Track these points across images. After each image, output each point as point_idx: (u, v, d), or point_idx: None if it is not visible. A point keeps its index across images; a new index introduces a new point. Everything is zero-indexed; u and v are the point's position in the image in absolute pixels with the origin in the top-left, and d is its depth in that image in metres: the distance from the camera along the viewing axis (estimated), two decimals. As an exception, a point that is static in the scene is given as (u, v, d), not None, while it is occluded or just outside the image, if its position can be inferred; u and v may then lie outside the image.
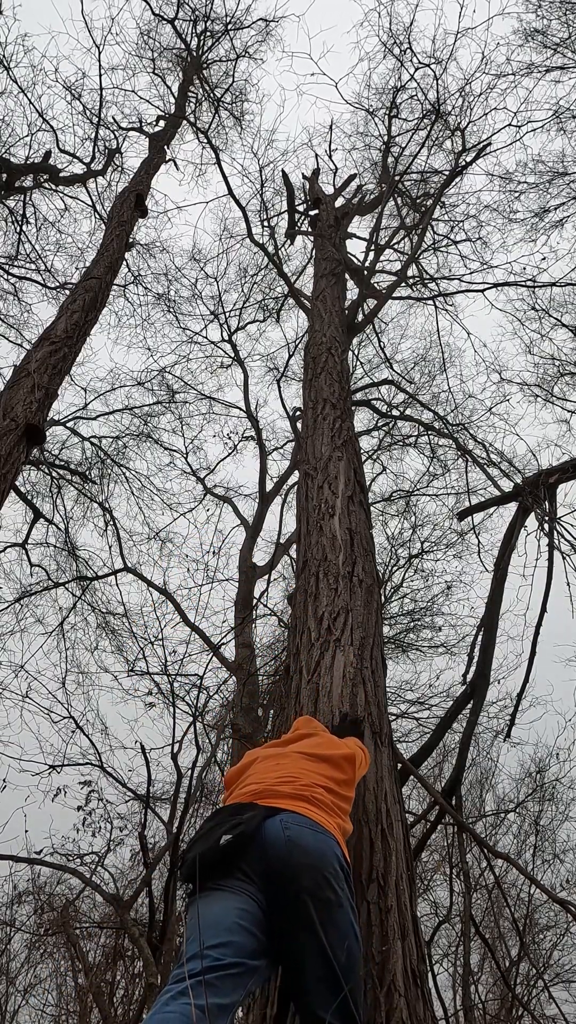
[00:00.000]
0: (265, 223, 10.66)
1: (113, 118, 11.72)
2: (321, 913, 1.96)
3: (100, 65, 10.75)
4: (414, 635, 10.89)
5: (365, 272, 9.01)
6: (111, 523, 11.06)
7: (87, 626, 10.83)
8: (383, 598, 8.61)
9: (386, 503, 11.01)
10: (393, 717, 8.72)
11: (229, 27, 11.72)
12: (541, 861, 10.80)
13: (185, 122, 11.61)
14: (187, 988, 1.71)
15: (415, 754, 5.74)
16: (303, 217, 10.55)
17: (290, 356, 12.45)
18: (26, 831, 7.48)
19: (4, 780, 7.24)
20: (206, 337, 12.69)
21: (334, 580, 3.99)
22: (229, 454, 12.82)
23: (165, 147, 11.01)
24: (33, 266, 11.13)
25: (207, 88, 12.16)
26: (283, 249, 11.02)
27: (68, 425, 11.11)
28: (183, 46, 11.76)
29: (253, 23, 11.94)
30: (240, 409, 12.73)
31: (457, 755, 5.55)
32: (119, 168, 11.64)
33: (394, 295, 8.78)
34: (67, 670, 10.18)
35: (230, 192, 9.31)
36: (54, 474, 10.79)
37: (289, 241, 11.01)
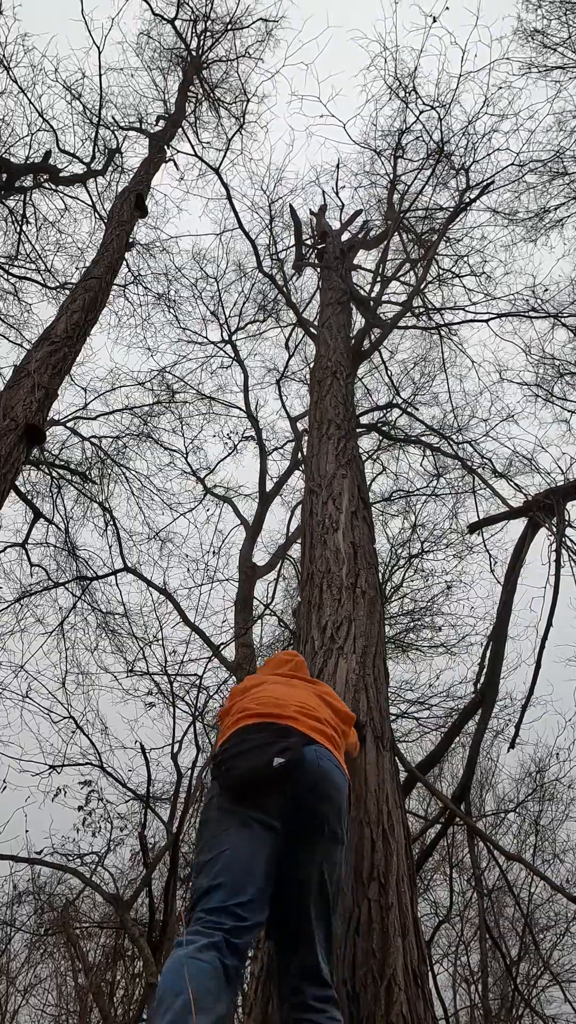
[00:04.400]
0: (274, 256, 10.99)
1: (113, 118, 11.73)
2: (332, 848, 2.09)
3: (100, 65, 10.76)
4: (414, 635, 10.89)
5: (371, 302, 9.13)
6: (111, 523, 11.02)
7: (87, 626, 10.78)
8: (384, 598, 8.61)
9: (386, 503, 11.00)
10: (393, 717, 8.72)
11: (229, 27, 11.74)
12: (541, 861, 10.83)
13: (187, 126, 11.66)
14: (220, 942, 1.78)
15: (422, 761, 5.80)
16: (311, 250, 10.79)
17: (290, 357, 12.46)
18: (26, 831, 7.51)
19: (4, 780, 7.25)
20: (206, 338, 12.69)
21: (337, 591, 4.02)
22: (229, 454, 12.79)
23: (165, 147, 11.00)
24: (33, 266, 11.13)
25: (207, 88, 12.16)
26: (291, 282, 11.29)
27: (68, 425, 11.08)
28: (183, 46, 11.76)
29: (253, 23, 11.97)
30: (240, 409, 12.71)
31: (466, 762, 5.58)
32: (119, 168, 11.63)
33: (399, 324, 8.89)
34: (67, 670, 10.13)
35: (240, 227, 9.87)
36: (54, 474, 10.76)
37: (297, 273, 11.23)
